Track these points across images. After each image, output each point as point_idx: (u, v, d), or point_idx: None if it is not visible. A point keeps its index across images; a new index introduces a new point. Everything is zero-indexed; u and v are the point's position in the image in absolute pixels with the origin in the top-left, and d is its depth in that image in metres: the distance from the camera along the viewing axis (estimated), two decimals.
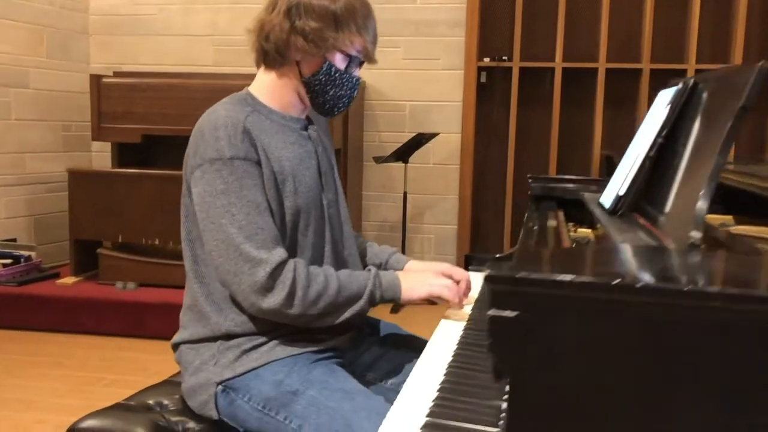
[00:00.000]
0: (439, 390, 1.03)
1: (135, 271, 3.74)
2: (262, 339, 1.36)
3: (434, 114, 4.56)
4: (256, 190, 1.31)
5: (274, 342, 1.36)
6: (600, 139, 4.48)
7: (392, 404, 1.30)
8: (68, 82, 4.56)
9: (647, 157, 1.22)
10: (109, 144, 4.18)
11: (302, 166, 1.41)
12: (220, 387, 1.35)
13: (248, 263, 1.27)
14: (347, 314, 1.35)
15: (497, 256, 1.96)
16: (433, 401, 0.99)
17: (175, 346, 1.47)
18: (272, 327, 1.36)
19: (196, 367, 1.39)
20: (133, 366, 3.15)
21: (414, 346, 1.57)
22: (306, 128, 1.49)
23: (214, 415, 1.36)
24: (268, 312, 1.29)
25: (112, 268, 3.75)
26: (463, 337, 1.28)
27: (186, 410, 1.42)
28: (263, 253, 1.28)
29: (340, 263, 1.48)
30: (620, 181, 1.29)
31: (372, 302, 1.37)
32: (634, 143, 1.38)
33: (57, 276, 3.91)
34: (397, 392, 1.48)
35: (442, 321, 1.40)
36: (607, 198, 1.35)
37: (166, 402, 1.48)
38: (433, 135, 4.17)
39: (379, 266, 1.65)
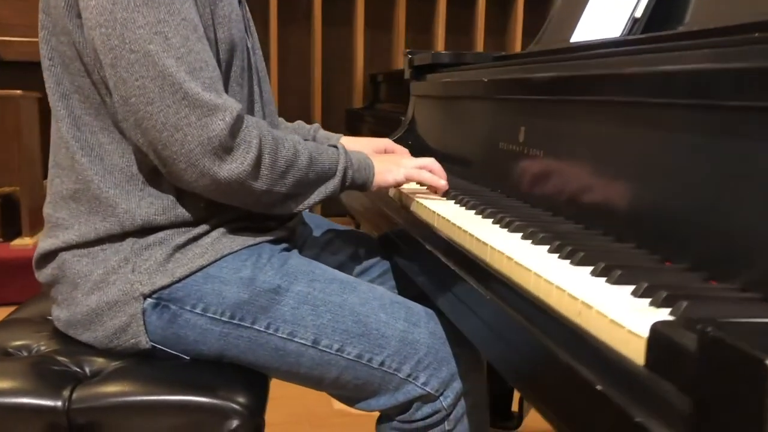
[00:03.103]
0: (556, 250, 0.77)
1: None
2: (199, 229, 0.96)
3: None
4: (190, 6, 0.89)
5: (218, 232, 0.97)
6: (362, 60, 4.38)
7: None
8: None
9: None
10: None
11: None
12: (149, 301, 0.92)
13: (197, 110, 0.86)
14: (315, 197, 1.01)
15: None
16: (563, 255, 0.74)
17: (46, 258, 0.98)
18: (210, 212, 0.97)
19: (97, 281, 0.93)
20: None
21: (350, 238, 1.27)
22: None
23: (143, 342, 0.93)
24: (226, 185, 0.89)
25: None
26: (476, 205, 1.03)
27: (78, 347, 0.96)
28: (214, 96, 0.88)
29: None
30: (620, 8, 1.13)
31: (343, 184, 1.04)
32: None
33: None
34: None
35: (420, 201, 1.10)
36: (592, 31, 1.18)
37: (35, 344, 0.99)
38: None
39: None
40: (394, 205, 1.23)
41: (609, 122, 0.87)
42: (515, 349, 0.68)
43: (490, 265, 0.78)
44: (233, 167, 0.88)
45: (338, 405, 2.21)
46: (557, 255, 0.74)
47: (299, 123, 1.34)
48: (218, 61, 0.96)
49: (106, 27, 0.85)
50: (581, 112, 0.93)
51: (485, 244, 0.80)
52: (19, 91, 2.82)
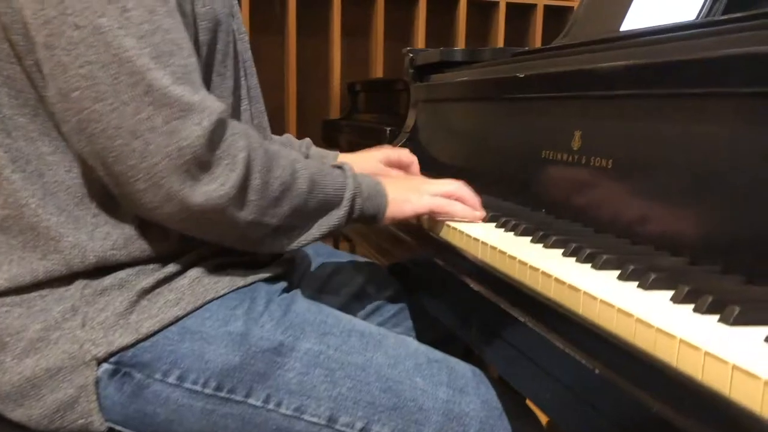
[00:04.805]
0: (689, 299, 0.55)
1: None
2: (172, 267, 0.73)
3: None
4: None
5: (197, 270, 0.73)
6: (339, 69, 4.17)
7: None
8: None
9: None
10: None
11: None
12: (105, 367, 0.68)
13: (164, 110, 0.63)
14: (315, 232, 0.78)
15: None
16: (705, 309, 0.53)
17: None
18: (186, 244, 0.74)
19: (34, 339, 0.69)
20: None
21: (357, 270, 1.04)
22: None
23: (96, 422, 0.69)
24: (200, 213, 0.67)
25: None
26: (530, 230, 0.80)
27: (6, 429, 0.71)
28: (188, 91, 0.65)
29: None
30: None
31: (350, 215, 0.81)
32: None
33: None
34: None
35: (455, 225, 0.87)
36: (652, 18, 0.98)
37: None
38: None
39: None
40: (412, 227, 1.00)
41: (712, 121, 0.66)
42: None
43: (586, 320, 0.56)
44: (211, 189, 0.65)
45: None
46: (692, 306, 0.52)
47: (288, 137, 1.11)
48: (196, 43, 0.73)
49: None
50: (671, 108, 0.72)
51: (576, 289, 0.58)
52: None
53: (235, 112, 0.82)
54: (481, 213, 0.87)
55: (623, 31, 1.00)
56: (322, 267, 1.02)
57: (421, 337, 1.01)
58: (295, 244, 0.77)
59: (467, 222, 0.87)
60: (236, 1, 0.88)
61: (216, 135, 0.66)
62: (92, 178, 0.71)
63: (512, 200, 1.03)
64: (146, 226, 0.72)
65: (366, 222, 0.84)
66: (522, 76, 1.00)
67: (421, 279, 0.95)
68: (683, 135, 0.70)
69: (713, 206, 0.65)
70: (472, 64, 1.33)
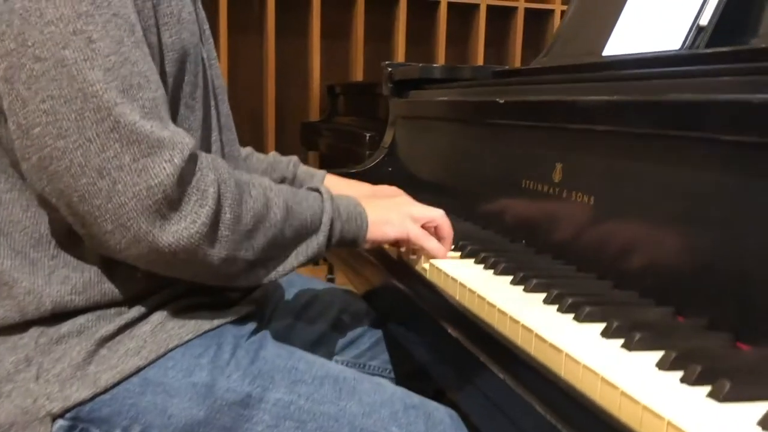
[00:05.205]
0: (675, 364, 0.52)
1: None
2: (134, 312, 0.69)
3: None
4: (127, 1, 0.63)
5: (160, 314, 0.70)
6: (319, 71, 4.12)
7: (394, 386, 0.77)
8: None
9: None
10: None
11: None
12: (61, 423, 0.64)
13: (133, 147, 0.60)
14: (293, 261, 0.75)
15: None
16: (693, 379, 0.50)
17: None
18: (149, 286, 0.70)
19: None
20: None
21: (333, 299, 1.01)
22: None
23: None
24: (170, 254, 0.63)
25: None
26: (510, 270, 0.78)
27: None
28: (158, 126, 0.61)
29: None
30: (672, 15, 0.90)
31: (329, 241, 0.78)
32: None
33: None
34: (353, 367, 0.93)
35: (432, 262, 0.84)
36: (637, 43, 0.95)
37: None
38: None
39: (283, 182, 1.03)
40: (389, 257, 0.97)
41: (698, 164, 0.64)
42: None
43: (569, 384, 0.53)
44: (181, 229, 0.62)
45: None
46: (680, 375, 0.49)
47: (274, 155, 1.07)
48: (163, 75, 0.69)
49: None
50: (653, 148, 0.69)
51: (558, 349, 0.55)
52: None
53: (205, 144, 0.78)
54: (446, 252, 0.85)
55: (606, 57, 0.97)
56: (297, 296, 0.99)
57: (398, 369, 0.98)
58: (273, 275, 0.74)
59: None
60: (206, 26, 0.84)
61: (186, 171, 0.62)
62: (52, 218, 0.67)
63: (492, 228, 1.00)
64: (109, 268, 0.68)
65: (346, 246, 0.82)
66: (501, 102, 0.97)
67: (397, 312, 0.92)
68: (666, 177, 0.67)
69: (698, 253, 0.63)
70: (452, 81, 1.30)
